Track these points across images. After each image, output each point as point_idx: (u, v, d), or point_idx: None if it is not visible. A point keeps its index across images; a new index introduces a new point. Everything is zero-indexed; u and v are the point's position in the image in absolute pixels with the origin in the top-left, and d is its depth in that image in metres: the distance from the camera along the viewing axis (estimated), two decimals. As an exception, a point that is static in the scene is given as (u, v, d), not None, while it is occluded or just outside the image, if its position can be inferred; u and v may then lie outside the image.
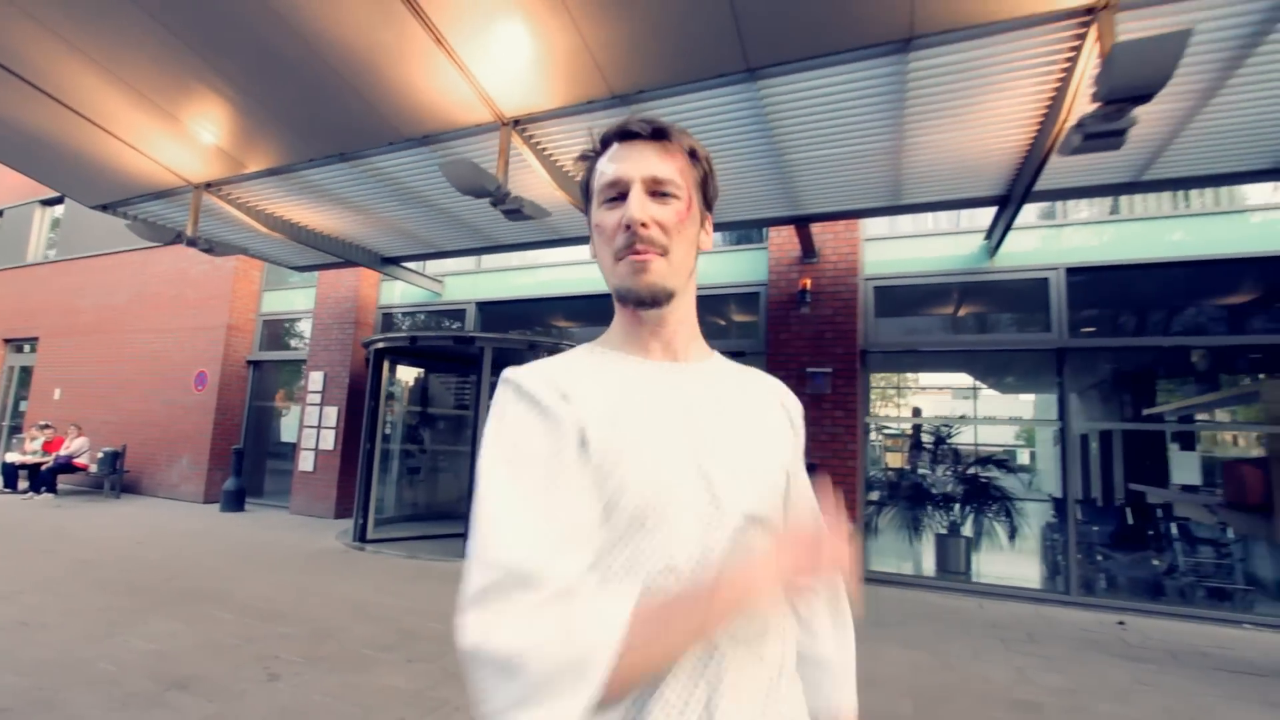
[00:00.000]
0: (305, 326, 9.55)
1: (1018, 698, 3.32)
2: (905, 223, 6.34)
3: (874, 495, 6.55)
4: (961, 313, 6.62)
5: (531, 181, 4.66)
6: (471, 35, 3.39)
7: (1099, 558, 5.84)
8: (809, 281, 6.13)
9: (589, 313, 7.91)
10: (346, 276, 8.65)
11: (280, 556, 5.91)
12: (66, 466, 9.19)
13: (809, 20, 3.09)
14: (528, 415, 0.64)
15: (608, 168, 0.72)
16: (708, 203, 0.78)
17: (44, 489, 9.01)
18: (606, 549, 0.62)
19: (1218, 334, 5.86)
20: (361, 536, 6.44)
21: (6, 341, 12.68)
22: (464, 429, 8.14)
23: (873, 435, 6.87)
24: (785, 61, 3.36)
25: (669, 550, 0.63)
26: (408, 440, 8.09)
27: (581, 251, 7.17)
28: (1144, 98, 2.60)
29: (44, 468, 9.12)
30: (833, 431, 5.93)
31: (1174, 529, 5.85)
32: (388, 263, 7.43)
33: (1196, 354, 6.18)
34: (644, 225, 0.69)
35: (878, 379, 7.37)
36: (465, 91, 3.84)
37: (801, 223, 5.50)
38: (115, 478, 9.27)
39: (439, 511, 7.94)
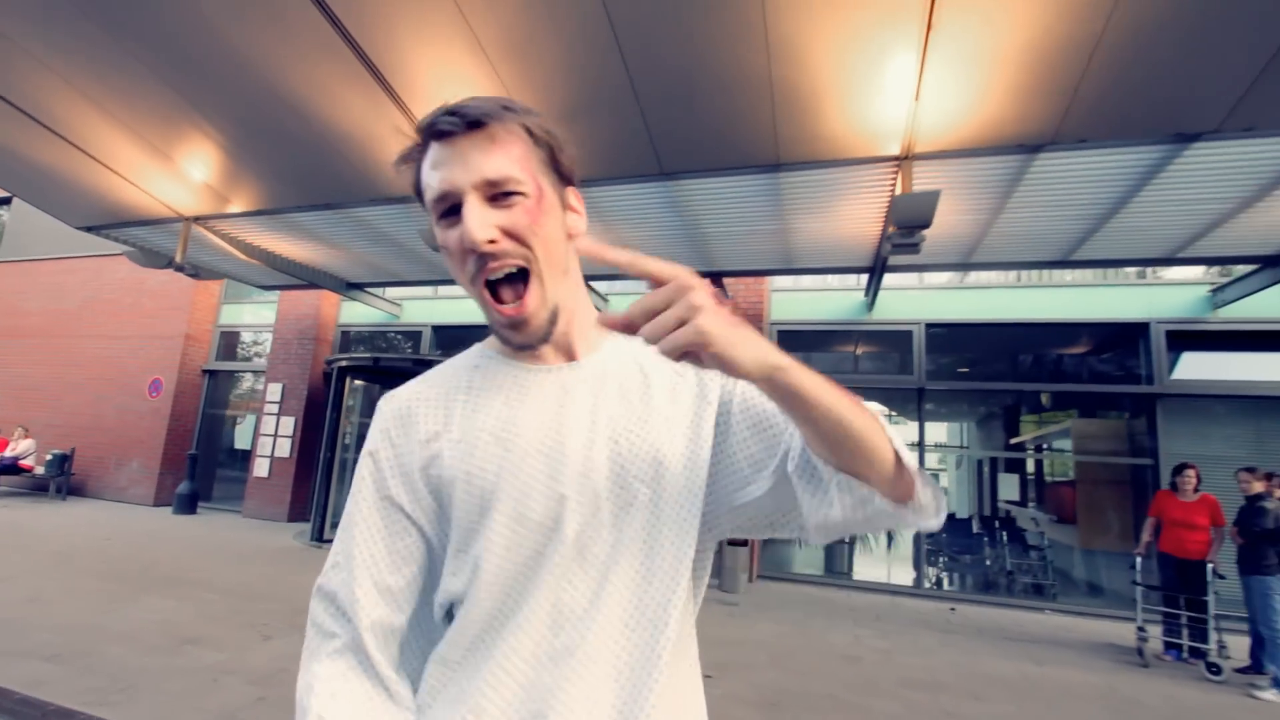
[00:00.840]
0: (263, 338, 10.06)
1: (847, 654, 4.43)
2: (806, 279, 7.59)
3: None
4: (857, 351, 7.91)
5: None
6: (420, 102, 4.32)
7: (947, 559, 7.16)
8: (724, 324, 7.26)
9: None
10: (309, 296, 9.27)
11: (245, 552, 6.53)
12: (11, 468, 9.35)
13: (705, 147, 4.21)
14: (369, 455, 0.71)
15: (431, 178, 0.63)
16: (565, 178, 0.68)
17: (-14, 490, 9.17)
18: (454, 538, 0.67)
19: (1042, 381, 7.32)
20: (319, 536, 7.11)
21: (-62, 340, 12.48)
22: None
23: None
24: (691, 170, 4.47)
25: (500, 525, 0.64)
26: (353, 450, 8.76)
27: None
28: (923, 226, 3.81)
29: (-12, 468, 9.27)
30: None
31: (1006, 536, 7.23)
32: (352, 287, 8.16)
33: (1045, 395, 7.63)
34: (491, 242, 0.61)
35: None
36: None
37: (713, 277, 6.64)
38: (63, 479, 9.49)
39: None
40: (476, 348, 0.76)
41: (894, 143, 3.94)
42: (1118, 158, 3.87)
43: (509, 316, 0.64)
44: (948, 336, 7.11)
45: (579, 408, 0.69)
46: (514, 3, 3.31)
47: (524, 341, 0.67)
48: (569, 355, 0.73)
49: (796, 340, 7.52)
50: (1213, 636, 4.53)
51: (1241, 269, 5.84)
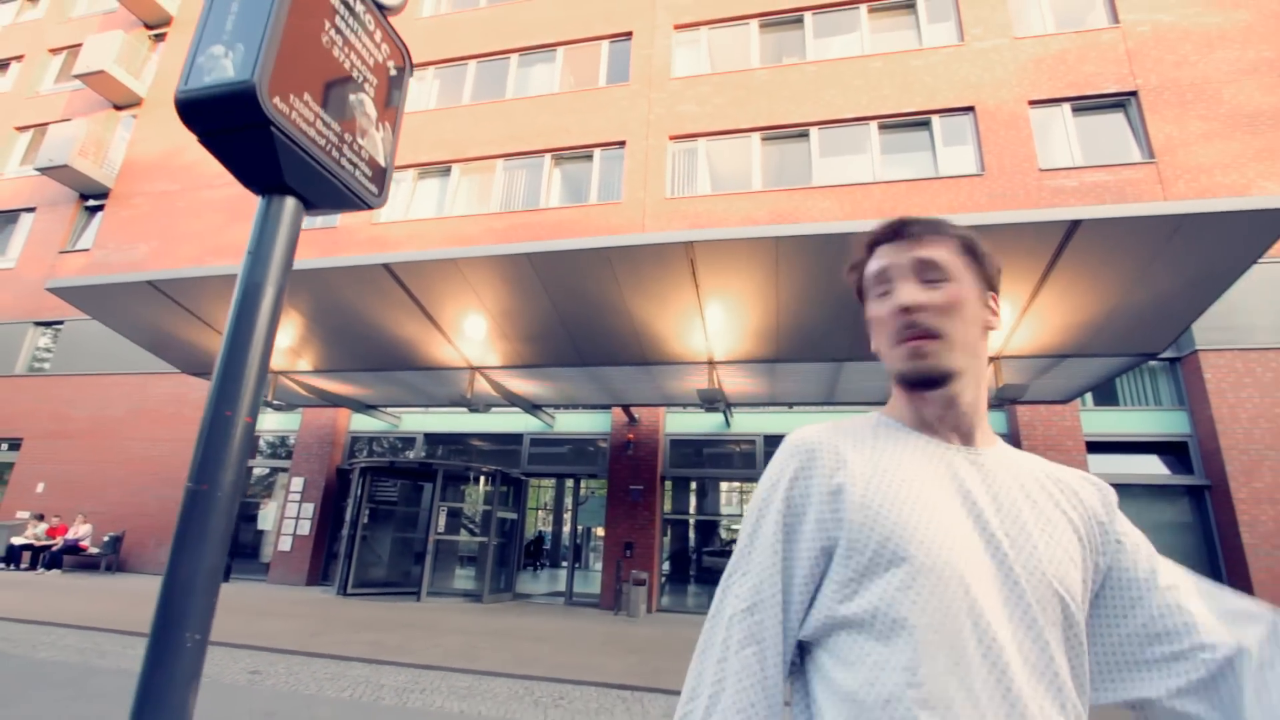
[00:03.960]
0: (286, 440, 12.92)
1: (652, 640, 7.64)
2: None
3: (666, 558, 10.94)
4: (720, 451, 11.43)
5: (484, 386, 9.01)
6: (454, 330, 7.83)
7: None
8: (632, 435, 10.75)
9: (500, 441, 12.03)
10: (329, 410, 12.30)
11: (290, 601, 9.25)
12: (73, 548, 11.69)
13: (605, 352, 7.80)
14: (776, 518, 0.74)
15: (874, 264, 0.78)
16: (990, 283, 0.78)
17: (53, 567, 11.45)
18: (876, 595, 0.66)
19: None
20: (344, 589, 9.89)
21: (-17, 440, 14.67)
22: (414, 524, 11.72)
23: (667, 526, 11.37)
24: (597, 363, 8.05)
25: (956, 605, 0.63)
26: (370, 528, 11.59)
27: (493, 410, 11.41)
28: (720, 399, 7.43)
29: (53, 549, 11.57)
30: (645, 521, 10.33)
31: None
32: (368, 408, 11.31)
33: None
34: (914, 309, 0.72)
35: (671, 490, 11.97)
36: (453, 353, 8.21)
37: (622, 405, 10.18)
38: (114, 558, 11.86)
39: (392, 579, 11.35)
40: (867, 416, 0.81)
41: (704, 356, 7.64)
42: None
43: (913, 345, 0.73)
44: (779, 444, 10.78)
45: (992, 482, 0.72)
46: (503, 289, 6.88)
47: (918, 372, 0.73)
48: (969, 442, 0.76)
49: (683, 447, 11.02)
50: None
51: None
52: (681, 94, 12.72)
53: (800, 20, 12.90)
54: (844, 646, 0.67)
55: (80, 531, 11.94)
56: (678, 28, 13.42)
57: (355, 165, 1.93)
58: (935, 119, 11.44)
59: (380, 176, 2.17)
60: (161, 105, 16.64)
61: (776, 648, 0.70)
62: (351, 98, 2.24)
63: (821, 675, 0.69)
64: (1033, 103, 11.10)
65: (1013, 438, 9.63)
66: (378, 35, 2.43)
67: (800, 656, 0.74)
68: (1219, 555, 8.78)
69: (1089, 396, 9.83)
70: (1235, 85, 10.29)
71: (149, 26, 18.13)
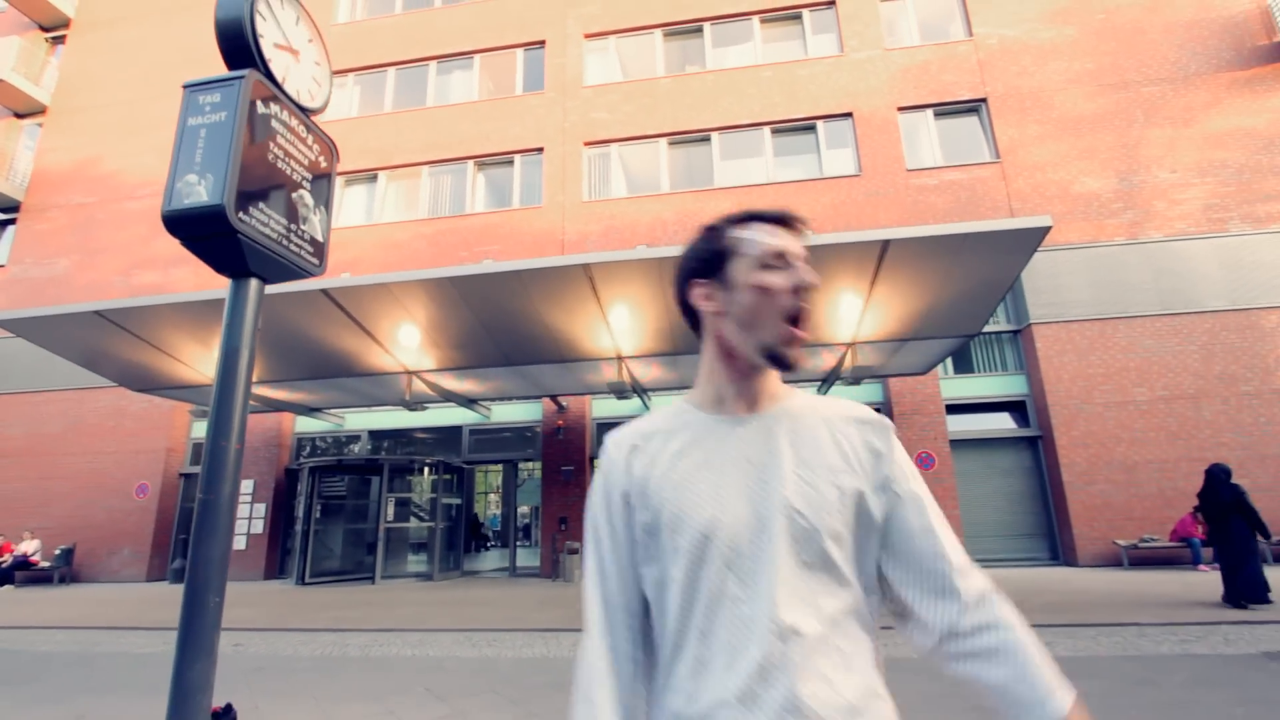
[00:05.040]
0: (230, 447, 13.42)
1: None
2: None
3: (603, 532, 12.27)
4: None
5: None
6: (389, 341, 8.76)
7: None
8: (562, 421, 11.90)
9: (442, 433, 12.95)
10: (273, 415, 12.89)
11: (253, 593, 10.07)
12: (23, 564, 12.01)
13: (524, 352, 8.89)
14: (598, 495, 0.90)
15: (769, 240, 0.86)
16: None
17: (4, 583, 11.77)
18: (669, 556, 0.82)
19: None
20: (302, 580, 10.75)
21: (-92, 465, 14.48)
22: (365, 515, 12.57)
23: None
24: (521, 362, 9.12)
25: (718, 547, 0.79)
26: (322, 522, 12.39)
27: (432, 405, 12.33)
28: (631, 388, 8.66)
29: (2, 565, 11.88)
30: (576, 497, 11.54)
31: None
32: (313, 410, 12.03)
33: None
34: (812, 284, 0.85)
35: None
36: (390, 360, 9.12)
37: (550, 395, 11.30)
38: (67, 569, 12.25)
39: (347, 567, 12.22)
40: (676, 403, 0.94)
41: (613, 352, 8.83)
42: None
43: (803, 337, 0.85)
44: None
45: (754, 442, 0.86)
46: (432, 306, 7.84)
47: (796, 363, 0.85)
48: (753, 409, 0.89)
49: (609, 426, 12.25)
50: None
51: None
52: (594, 101, 13.66)
53: (700, 30, 14.00)
54: (652, 598, 0.85)
55: (29, 547, 12.25)
56: (588, 36, 14.28)
57: (300, 247, 2.92)
58: (820, 124, 12.84)
59: (319, 250, 3.19)
60: (68, 113, 16.32)
61: (618, 601, 0.87)
62: (294, 195, 3.33)
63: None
64: (901, 109, 12.62)
65: (887, 404, 11.31)
66: (309, 138, 3.42)
67: None
68: (1048, 491, 10.72)
69: (950, 366, 11.59)
70: (1064, 93, 12.06)
71: (44, 29, 17.55)
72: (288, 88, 3.63)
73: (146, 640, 6.29)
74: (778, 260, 0.85)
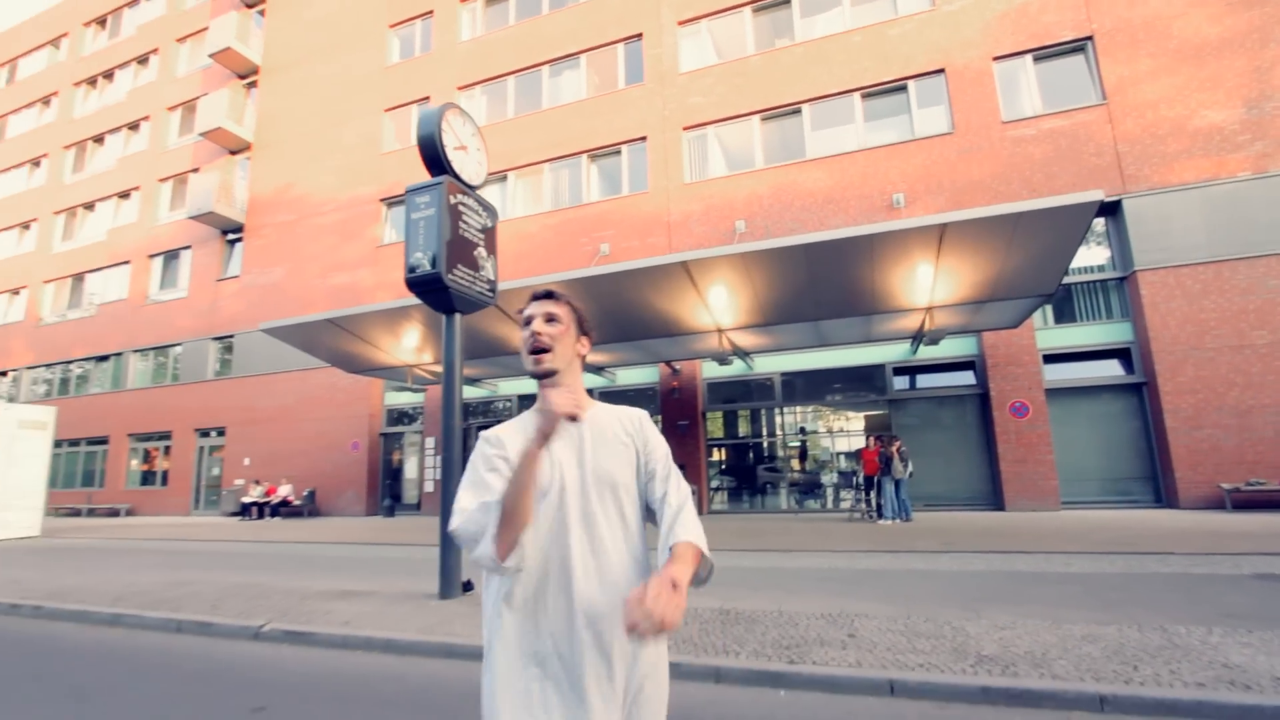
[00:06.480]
0: (414, 412, 16.75)
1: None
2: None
3: (714, 474, 14.09)
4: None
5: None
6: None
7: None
8: (676, 383, 13.70)
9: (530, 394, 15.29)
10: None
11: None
12: (284, 503, 16.15)
13: (641, 329, 10.68)
14: (480, 453, 1.35)
15: (526, 311, 1.43)
16: (583, 329, 1.46)
17: (273, 516, 15.97)
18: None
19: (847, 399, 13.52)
20: (479, 515, 13.69)
21: (196, 431, 19.51)
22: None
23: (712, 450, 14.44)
24: (645, 337, 10.93)
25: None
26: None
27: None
28: (740, 353, 10.22)
29: (272, 503, 16.08)
30: (692, 447, 13.40)
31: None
32: (472, 381, 14.77)
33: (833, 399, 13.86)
34: (538, 332, 1.37)
35: (711, 421, 14.93)
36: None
37: (665, 360, 13.09)
38: (312, 506, 16.28)
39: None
40: (528, 412, 1.41)
41: (713, 326, 10.37)
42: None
43: (534, 356, 1.38)
44: (795, 380, 13.42)
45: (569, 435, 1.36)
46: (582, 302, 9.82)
47: (535, 370, 1.38)
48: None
49: (718, 387, 13.87)
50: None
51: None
52: (689, 87, 14.77)
53: (788, 1, 14.48)
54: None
55: (286, 490, 16.38)
56: (681, 23, 15.27)
57: (481, 287, 5.51)
58: (911, 84, 13.08)
59: (492, 286, 5.93)
60: (267, 145, 20.13)
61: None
62: (475, 252, 5.73)
63: None
64: (997, 58, 12.51)
65: (980, 356, 11.90)
66: (479, 207, 6.05)
67: None
68: (1152, 437, 10.92)
69: (1049, 316, 11.84)
70: (1184, 19, 11.39)
71: (240, 76, 21.46)
72: (463, 175, 6.48)
73: (392, 550, 9.07)
74: (526, 323, 1.42)
